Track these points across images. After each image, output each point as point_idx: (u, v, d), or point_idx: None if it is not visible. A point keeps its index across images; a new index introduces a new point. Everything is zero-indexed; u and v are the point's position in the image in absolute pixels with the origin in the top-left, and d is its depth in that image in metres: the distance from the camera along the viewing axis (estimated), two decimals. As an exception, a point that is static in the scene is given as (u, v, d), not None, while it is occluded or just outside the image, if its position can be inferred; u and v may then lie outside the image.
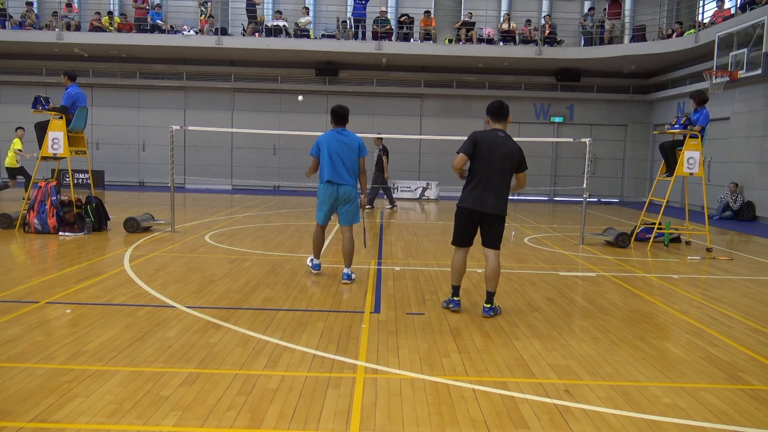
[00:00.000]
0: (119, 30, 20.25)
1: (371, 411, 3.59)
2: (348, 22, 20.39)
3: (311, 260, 7.64)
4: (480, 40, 20.37)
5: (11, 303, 5.70)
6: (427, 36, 20.16)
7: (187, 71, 21.82)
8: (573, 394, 3.94)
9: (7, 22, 20.25)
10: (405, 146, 20.35)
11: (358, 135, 7.23)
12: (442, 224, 13.30)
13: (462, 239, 5.84)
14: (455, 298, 5.89)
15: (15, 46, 20.33)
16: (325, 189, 7.08)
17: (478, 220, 5.74)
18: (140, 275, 7.08)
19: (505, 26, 20.51)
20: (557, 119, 22.17)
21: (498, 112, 5.79)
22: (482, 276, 7.68)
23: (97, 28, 20.02)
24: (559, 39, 20.28)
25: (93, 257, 8.29)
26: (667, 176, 10.70)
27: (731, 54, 14.95)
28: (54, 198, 9.94)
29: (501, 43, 20.38)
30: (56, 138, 10.18)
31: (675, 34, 18.54)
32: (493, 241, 5.80)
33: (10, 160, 15.31)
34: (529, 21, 20.64)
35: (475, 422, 3.48)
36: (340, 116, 7.13)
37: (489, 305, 5.78)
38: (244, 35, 20.26)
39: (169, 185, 11.14)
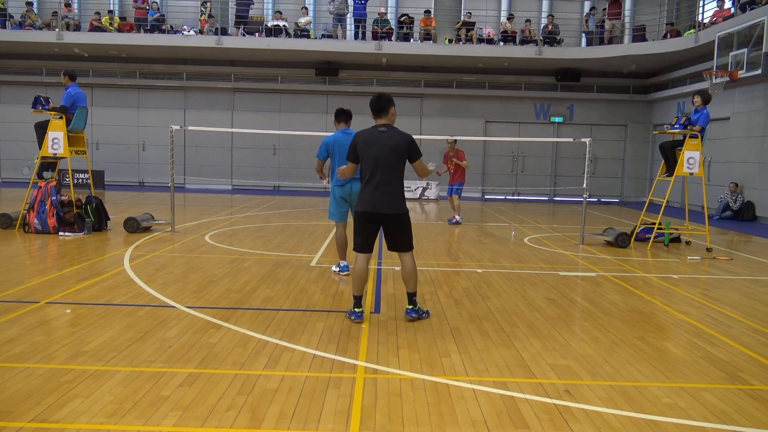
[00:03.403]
0: (119, 30, 20.25)
1: (371, 411, 3.59)
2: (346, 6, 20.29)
3: (338, 265, 7.57)
4: (480, 40, 20.38)
5: (11, 303, 5.70)
6: (427, 36, 20.16)
7: (187, 71, 21.82)
8: (573, 394, 3.94)
9: (7, 22, 20.25)
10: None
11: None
12: (442, 224, 13.30)
13: (362, 245, 5.44)
14: (357, 310, 5.44)
15: (15, 46, 20.33)
16: (340, 189, 7.20)
17: (377, 223, 5.41)
18: (140, 275, 7.08)
19: (507, 26, 20.50)
20: (557, 119, 22.17)
21: (376, 106, 5.43)
22: (482, 276, 7.71)
23: (97, 28, 20.03)
24: (559, 39, 20.29)
25: (93, 257, 8.29)
26: (667, 176, 10.70)
27: (731, 54, 14.94)
28: (54, 198, 9.94)
29: (501, 43, 20.39)
30: (56, 138, 10.18)
31: (669, 35, 18.56)
32: (402, 244, 5.47)
33: None
34: (528, 21, 20.64)
35: (475, 422, 3.48)
36: (347, 115, 7.38)
37: (411, 306, 5.52)
38: (244, 35, 20.26)
39: (169, 185, 11.14)
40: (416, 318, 5.53)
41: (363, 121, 7.80)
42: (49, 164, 15.30)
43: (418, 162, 5.41)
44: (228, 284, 6.78)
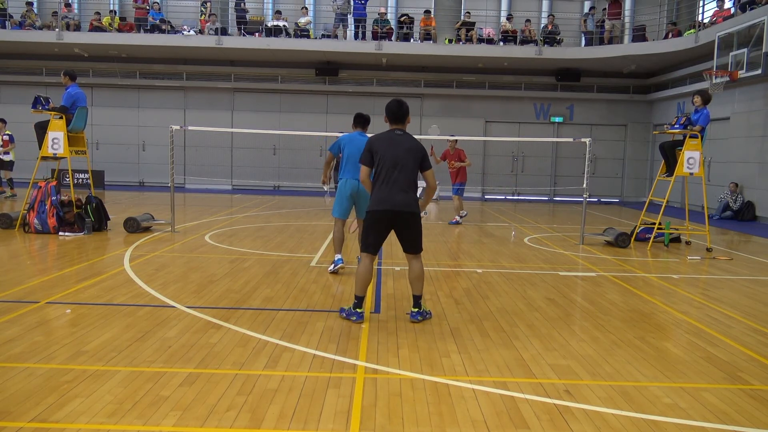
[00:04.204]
0: (119, 30, 20.26)
1: (371, 411, 3.59)
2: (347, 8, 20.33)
3: (333, 261, 7.60)
4: (480, 40, 20.38)
5: (11, 303, 5.70)
6: (427, 36, 20.17)
7: (187, 71, 21.82)
8: (573, 394, 3.94)
9: (7, 22, 20.25)
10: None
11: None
12: (442, 224, 13.30)
13: (372, 245, 5.42)
14: (358, 310, 5.42)
15: (15, 46, 20.34)
16: (346, 185, 7.36)
17: (390, 223, 5.38)
18: (140, 275, 7.08)
19: (508, 26, 20.50)
20: (557, 119, 22.17)
21: (396, 114, 5.49)
22: (482, 276, 7.71)
23: (97, 28, 20.03)
24: (559, 39, 20.29)
25: (93, 257, 8.29)
26: (667, 176, 10.70)
27: (731, 54, 14.95)
28: (54, 198, 9.94)
29: (501, 43, 20.39)
30: (56, 138, 10.17)
31: (671, 35, 18.56)
32: (412, 245, 5.47)
33: None
34: (528, 21, 20.65)
35: (475, 422, 3.48)
36: (365, 120, 7.59)
37: (416, 309, 5.50)
38: (244, 35, 20.26)
39: (169, 185, 11.14)
40: (421, 320, 5.52)
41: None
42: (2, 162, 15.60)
43: (429, 172, 5.49)
44: (228, 284, 6.78)
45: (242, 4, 20.75)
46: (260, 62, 21.51)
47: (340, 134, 7.90)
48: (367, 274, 5.43)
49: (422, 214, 5.84)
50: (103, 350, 4.47)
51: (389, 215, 5.34)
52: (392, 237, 5.67)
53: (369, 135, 7.15)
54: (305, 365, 4.31)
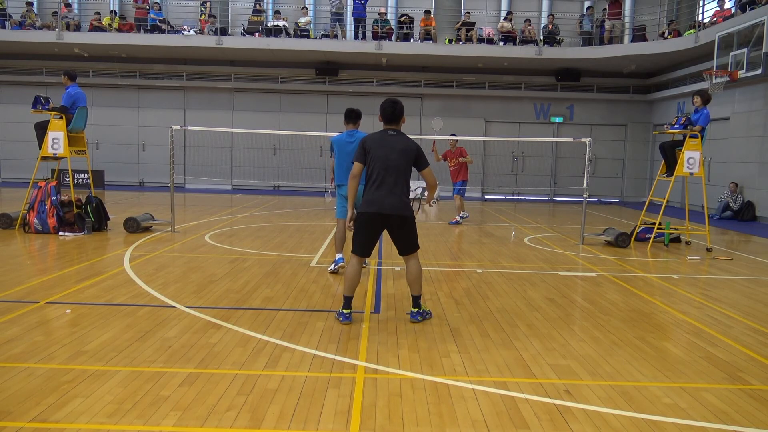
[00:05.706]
0: (119, 30, 20.26)
1: (371, 411, 3.59)
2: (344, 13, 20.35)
3: (334, 261, 7.59)
4: (480, 40, 20.38)
5: (11, 303, 5.70)
6: (427, 36, 20.17)
7: (187, 71, 21.82)
8: (573, 394, 3.94)
9: (7, 22, 20.25)
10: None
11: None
12: (441, 224, 13.30)
13: (362, 247, 5.37)
14: (345, 311, 5.38)
15: (15, 46, 20.33)
16: (343, 189, 7.33)
17: (380, 226, 5.34)
18: (140, 275, 7.08)
19: (508, 26, 20.49)
20: (557, 119, 22.17)
21: (390, 114, 5.40)
22: (482, 276, 7.71)
23: (97, 28, 20.03)
24: (559, 39, 20.29)
25: (93, 257, 8.29)
26: (667, 176, 10.70)
27: (731, 54, 14.95)
28: (54, 198, 9.94)
29: (501, 43, 20.39)
30: (56, 138, 10.18)
31: (666, 33, 18.55)
32: (407, 248, 5.43)
33: None
34: (528, 21, 20.64)
35: (475, 422, 3.48)
36: (356, 115, 7.37)
37: (416, 309, 5.49)
38: (244, 35, 20.26)
39: (169, 185, 11.15)
40: (421, 320, 5.52)
41: (364, 120, 7.81)
42: None
43: (426, 170, 5.43)
44: (228, 284, 6.78)
45: (258, 5, 20.70)
46: (260, 62, 21.51)
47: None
48: (355, 276, 5.42)
49: (431, 203, 5.84)
50: (103, 350, 4.47)
51: (378, 218, 5.29)
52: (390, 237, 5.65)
53: (363, 133, 7.15)
54: (305, 365, 4.31)
